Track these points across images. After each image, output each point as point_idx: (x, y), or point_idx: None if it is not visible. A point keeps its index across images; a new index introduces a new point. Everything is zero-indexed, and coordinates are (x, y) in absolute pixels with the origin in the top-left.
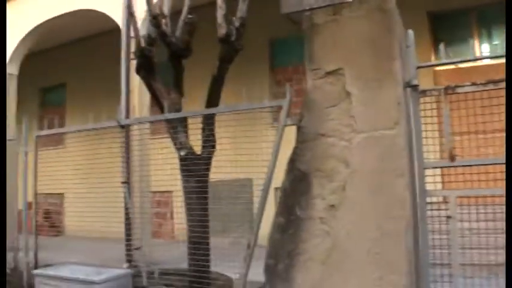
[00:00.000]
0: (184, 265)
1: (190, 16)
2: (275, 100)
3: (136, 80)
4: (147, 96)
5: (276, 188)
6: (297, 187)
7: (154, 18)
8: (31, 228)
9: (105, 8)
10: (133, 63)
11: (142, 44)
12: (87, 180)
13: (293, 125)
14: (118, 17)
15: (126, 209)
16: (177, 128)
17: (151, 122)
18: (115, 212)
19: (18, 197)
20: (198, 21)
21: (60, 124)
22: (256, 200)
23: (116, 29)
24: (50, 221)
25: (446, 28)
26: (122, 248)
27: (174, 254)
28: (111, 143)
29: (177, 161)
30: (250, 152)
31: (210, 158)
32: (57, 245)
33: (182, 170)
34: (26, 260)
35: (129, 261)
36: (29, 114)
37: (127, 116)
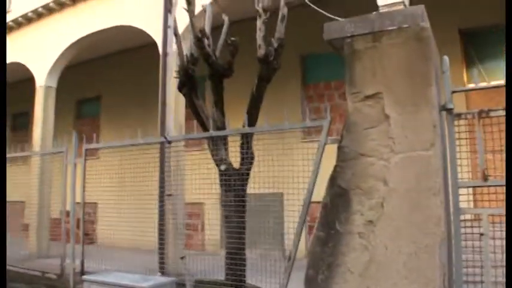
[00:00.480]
0: (217, 276)
1: (233, 38)
2: (312, 119)
3: (172, 96)
4: (182, 111)
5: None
6: (337, 203)
7: (198, 40)
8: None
9: (141, 24)
10: (173, 80)
11: (185, 63)
12: (120, 190)
13: (332, 143)
14: (154, 32)
15: (161, 219)
16: (217, 143)
17: (197, 139)
18: (148, 222)
19: (53, 206)
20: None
21: (95, 136)
22: (286, 214)
23: (150, 43)
24: (84, 230)
25: (477, 45)
26: (154, 258)
27: (206, 265)
28: (145, 156)
29: (209, 174)
30: (281, 167)
31: (248, 173)
32: (91, 253)
33: (221, 184)
34: (72, 266)
35: (161, 270)
36: (65, 125)
37: (162, 131)
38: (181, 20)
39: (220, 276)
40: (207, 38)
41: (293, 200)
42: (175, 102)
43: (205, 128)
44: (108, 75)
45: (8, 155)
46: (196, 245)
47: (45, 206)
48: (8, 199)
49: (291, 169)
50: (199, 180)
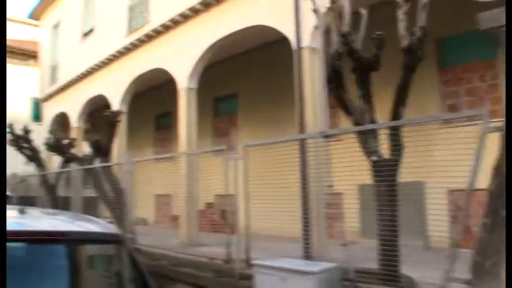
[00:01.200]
0: (365, 264)
1: (378, 32)
2: (468, 108)
3: (308, 90)
4: (319, 105)
5: (452, 191)
6: (502, 190)
7: (343, 36)
8: (209, 226)
9: (273, 22)
10: (309, 74)
11: (332, 59)
12: (264, 183)
13: (493, 131)
14: (285, 27)
15: (305, 209)
16: (367, 135)
17: (351, 133)
18: (291, 212)
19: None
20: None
21: (233, 133)
22: (427, 202)
23: (281, 38)
24: (226, 220)
25: None
26: (293, 246)
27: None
28: (288, 151)
29: (349, 165)
30: (422, 156)
31: (397, 163)
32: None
33: (373, 174)
34: (236, 253)
35: (306, 257)
36: (204, 123)
37: (301, 126)
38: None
39: (368, 264)
40: (351, 34)
41: (437, 189)
42: (311, 97)
43: (353, 122)
44: (242, 73)
45: (165, 155)
46: (336, 233)
47: (193, 198)
48: (156, 192)
49: (431, 158)
50: (339, 171)
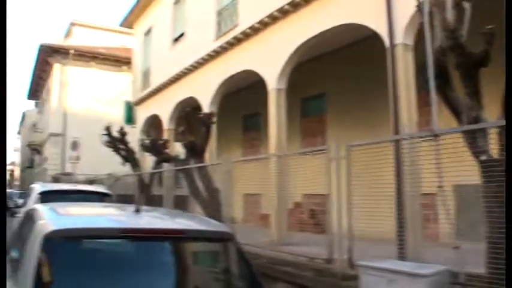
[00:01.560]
0: (470, 268)
1: (489, 27)
2: None
3: (403, 88)
4: (413, 104)
5: None
6: None
7: (449, 31)
8: (297, 226)
9: (363, 19)
10: (400, 72)
11: (437, 54)
12: (356, 184)
13: None
14: (376, 24)
15: (399, 210)
16: (476, 134)
17: (467, 132)
18: (382, 214)
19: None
20: None
21: (321, 133)
22: None
23: (371, 36)
24: (315, 219)
25: None
26: (385, 248)
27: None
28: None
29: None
30: None
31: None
32: (323, 241)
33: (482, 175)
34: (338, 253)
35: (401, 259)
36: (292, 123)
37: (396, 126)
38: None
39: (472, 268)
40: (458, 29)
41: None
42: (406, 95)
43: (460, 121)
44: (330, 72)
45: (263, 156)
46: (430, 235)
47: (284, 198)
48: (246, 192)
49: None
50: (431, 172)
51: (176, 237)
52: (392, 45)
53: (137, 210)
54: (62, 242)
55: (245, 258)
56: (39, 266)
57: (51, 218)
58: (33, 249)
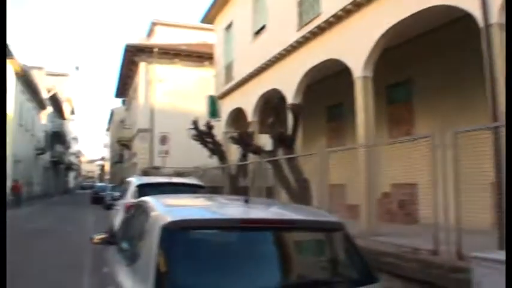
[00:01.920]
0: None
1: None
2: None
3: (501, 71)
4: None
5: None
6: None
7: None
8: (386, 216)
9: (457, 1)
10: (496, 53)
11: None
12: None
13: None
14: (469, 4)
15: (499, 200)
16: None
17: None
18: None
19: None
20: None
21: (409, 121)
22: None
23: (460, 17)
24: (405, 210)
25: None
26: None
27: None
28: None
29: None
30: None
31: None
32: (414, 232)
33: None
34: (446, 244)
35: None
36: (378, 111)
37: (494, 112)
38: None
39: None
40: None
41: None
42: (504, 78)
43: None
44: (417, 57)
45: (361, 145)
46: None
47: (373, 188)
48: (330, 182)
49: None
50: None
51: (289, 227)
52: (487, 26)
53: (246, 201)
54: (179, 232)
55: (356, 248)
56: (158, 255)
57: (166, 210)
58: (151, 240)
